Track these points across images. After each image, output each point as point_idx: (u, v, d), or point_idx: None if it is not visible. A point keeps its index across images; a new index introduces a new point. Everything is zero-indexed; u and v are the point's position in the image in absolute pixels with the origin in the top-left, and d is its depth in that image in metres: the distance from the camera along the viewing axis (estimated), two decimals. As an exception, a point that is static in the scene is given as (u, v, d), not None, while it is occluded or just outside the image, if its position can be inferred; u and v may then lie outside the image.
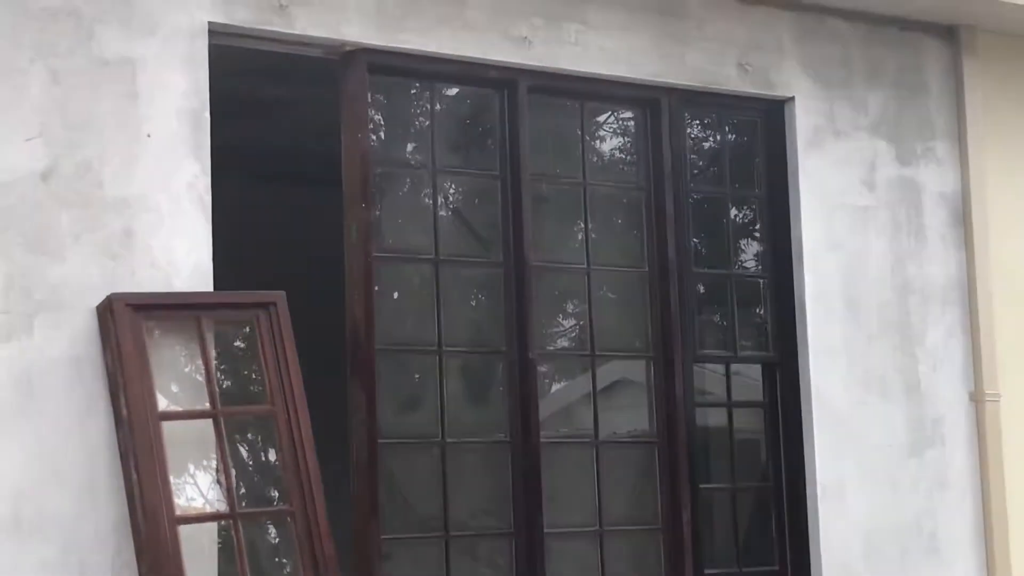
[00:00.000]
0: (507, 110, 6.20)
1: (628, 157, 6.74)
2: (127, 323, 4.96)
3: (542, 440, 6.09)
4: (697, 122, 6.87)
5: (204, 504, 5.35)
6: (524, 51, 6.14)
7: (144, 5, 5.31)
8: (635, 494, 6.53)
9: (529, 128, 6.21)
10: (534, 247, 6.17)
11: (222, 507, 5.20)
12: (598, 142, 6.75)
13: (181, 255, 5.25)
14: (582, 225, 6.47)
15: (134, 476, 4.92)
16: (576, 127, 6.49)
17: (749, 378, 6.80)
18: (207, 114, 5.39)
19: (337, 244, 5.83)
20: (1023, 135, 7.40)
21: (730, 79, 6.65)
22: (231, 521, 5.12)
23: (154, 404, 4.97)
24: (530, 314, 6.12)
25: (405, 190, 6.26)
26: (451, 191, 6.36)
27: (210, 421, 5.12)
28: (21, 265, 4.98)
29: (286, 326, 5.23)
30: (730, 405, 6.72)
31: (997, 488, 6.98)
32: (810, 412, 6.63)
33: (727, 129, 6.94)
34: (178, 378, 5.28)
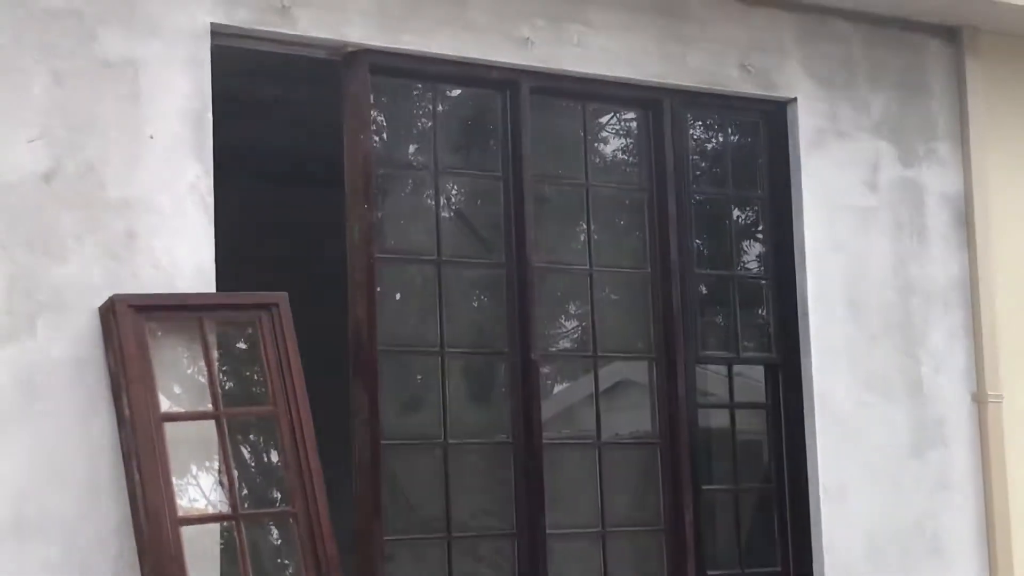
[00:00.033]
0: (509, 111, 6.20)
1: (630, 158, 6.74)
2: (129, 324, 4.96)
3: (544, 441, 6.09)
4: (699, 123, 6.87)
5: (206, 505, 5.34)
6: (526, 52, 6.14)
7: (146, 6, 5.31)
8: (637, 495, 6.53)
9: (531, 129, 6.21)
10: (536, 248, 6.17)
11: (224, 508, 5.21)
12: (600, 143, 6.76)
13: (183, 256, 5.25)
14: (584, 226, 6.47)
15: (136, 477, 4.92)
16: (578, 128, 6.48)
17: (751, 379, 6.80)
18: (209, 115, 5.39)
19: (339, 245, 5.83)
20: (1025, 136, 7.41)
21: (732, 80, 6.65)
22: (233, 522, 5.12)
23: (156, 405, 4.97)
24: (532, 315, 6.11)
25: (407, 191, 6.26)
26: (453, 192, 6.36)
27: (212, 422, 5.12)
28: (23, 266, 4.98)
29: (288, 327, 5.23)
30: (732, 406, 6.71)
31: (999, 489, 6.97)
32: (812, 413, 6.63)
33: (729, 130, 6.93)
34: (180, 379, 5.28)
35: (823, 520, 6.56)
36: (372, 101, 5.92)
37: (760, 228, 6.93)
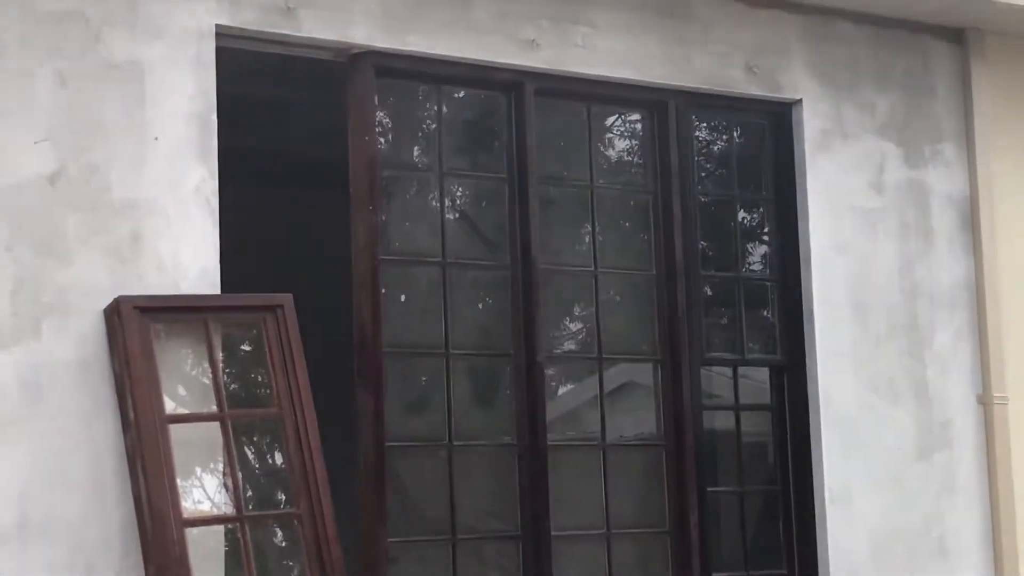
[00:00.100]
0: (514, 113, 6.20)
1: (635, 159, 6.74)
2: (134, 326, 4.97)
3: (549, 443, 6.09)
4: (704, 124, 6.87)
5: (211, 507, 5.34)
6: (531, 54, 6.14)
7: (151, 8, 5.31)
8: (642, 497, 6.52)
9: (536, 130, 6.21)
10: (541, 250, 6.17)
11: (229, 510, 5.21)
12: (605, 145, 6.75)
13: (188, 258, 5.26)
14: (589, 228, 6.46)
15: (141, 479, 4.92)
16: (583, 130, 6.48)
17: (756, 381, 6.79)
18: (214, 117, 5.39)
19: (344, 246, 5.83)
20: (1031, 137, 7.40)
21: (737, 82, 6.65)
22: (238, 524, 5.12)
23: (161, 407, 4.97)
24: (537, 317, 6.11)
25: (412, 193, 6.26)
26: (458, 194, 6.36)
27: (217, 424, 5.12)
28: (29, 268, 4.99)
29: (293, 329, 5.23)
30: (737, 408, 6.70)
31: (1006, 491, 6.96)
32: (818, 415, 6.62)
33: (734, 131, 6.93)
34: (185, 381, 5.28)
35: (828, 522, 6.56)
36: (377, 103, 5.92)
37: (765, 230, 6.92)
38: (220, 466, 5.24)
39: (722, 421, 6.69)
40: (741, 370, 6.70)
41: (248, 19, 5.52)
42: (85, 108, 5.15)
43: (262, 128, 8.02)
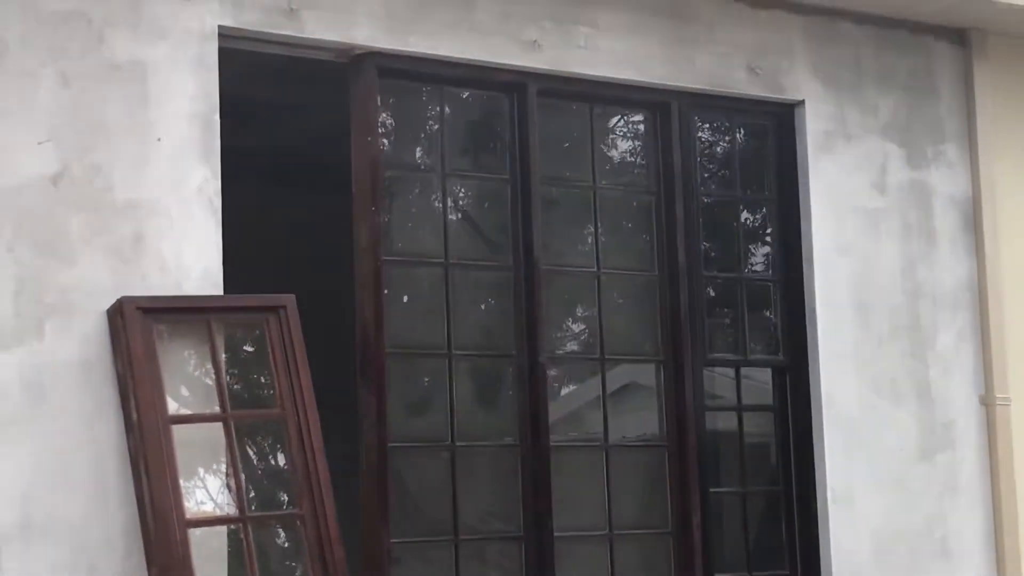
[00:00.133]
0: (516, 113, 6.20)
1: (638, 160, 6.74)
2: (137, 326, 4.97)
3: (551, 444, 6.09)
4: (707, 125, 6.86)
5: (214, 507, 5.35)
6: (533, 54, 6.14)
7: (154, 9, 5.32)
8: (645, 498, 6.52)
9: (538, 131, 6.21)
10: (544, 250, 6.17)
11: (232, 510, 5.21)
12: (607, 146, 6.75)
13: (191, 258, 5.26)
14: (592, 228, 6.46)
15: (144, 479, 4.92)
16: (586, 130, 6.48)
17: (759, 382, 6.79)
18: (217, 117, 5.39)
19: (347, 247, 5.83)
20: (1034, 138, 7.40)
21: (740, 82, 6.65)
22: (241, 524, 5.12)
23: (164, 407, 4.97)
24: (539, 317, 6.11)
25: (415, 194, 6.26)
26: (460, 195, 6.36)
27: (220, 424, 5.12)
28: (31, 268, 4.99)
29: (296, 329, 5.23)
30: (740, 409, 6.70)
31: (1008, 492, 6.96)
32: (820, 416, 6.62)
33: (737, 132, 6.93)
34: (188, 381, 5.28)
35: (831, 523, 6.55)
36: (379, 103, 5.92)
37: (768, 230, 6.92)
38: (223, 467, 5.24)
39: (724, 422, 6.69)
40: (743, 371, 6.70)
41: (251, 20, 5.52)
42: (88, 109, 5.15)
43: (264, 129, 8.03)
